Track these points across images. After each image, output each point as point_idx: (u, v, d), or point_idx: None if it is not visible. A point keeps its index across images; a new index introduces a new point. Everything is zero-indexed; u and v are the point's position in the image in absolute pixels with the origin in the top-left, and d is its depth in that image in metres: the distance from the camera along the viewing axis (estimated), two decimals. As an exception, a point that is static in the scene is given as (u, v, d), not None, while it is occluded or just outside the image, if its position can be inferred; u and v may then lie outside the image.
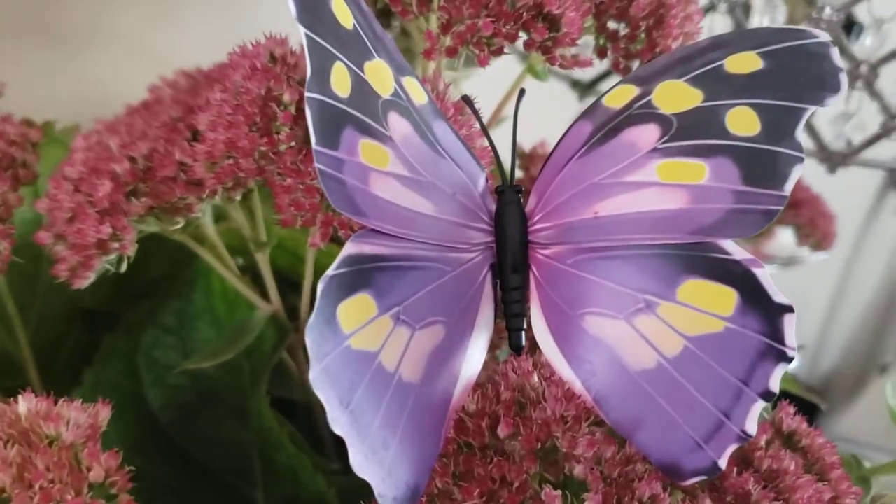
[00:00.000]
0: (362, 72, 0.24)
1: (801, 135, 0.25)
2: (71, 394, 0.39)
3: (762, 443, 0.27)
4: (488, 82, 0.35)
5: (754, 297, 0.24)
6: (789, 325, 0.24)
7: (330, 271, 0.23)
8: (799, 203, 0.50)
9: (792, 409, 0.28)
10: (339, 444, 0.23)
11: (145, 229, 0.31)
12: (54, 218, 0.30)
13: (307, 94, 0.22)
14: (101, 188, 0.29)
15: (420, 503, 0.24)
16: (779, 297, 0.24)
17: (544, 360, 0.26)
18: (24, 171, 0.33)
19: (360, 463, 0.22)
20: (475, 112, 0.28)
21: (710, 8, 0.47)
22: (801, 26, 0.26)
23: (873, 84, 0.46)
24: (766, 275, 0.24)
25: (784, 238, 0.55)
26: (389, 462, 0.23)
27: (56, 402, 0.25)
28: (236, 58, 0.28)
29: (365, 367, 0.23)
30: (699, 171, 0.25)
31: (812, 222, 0.50)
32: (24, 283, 0.40)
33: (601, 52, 0.31)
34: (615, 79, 0.50)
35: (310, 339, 0.22)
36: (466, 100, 0.28)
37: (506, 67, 0.33)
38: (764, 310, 0.24)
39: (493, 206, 0.27)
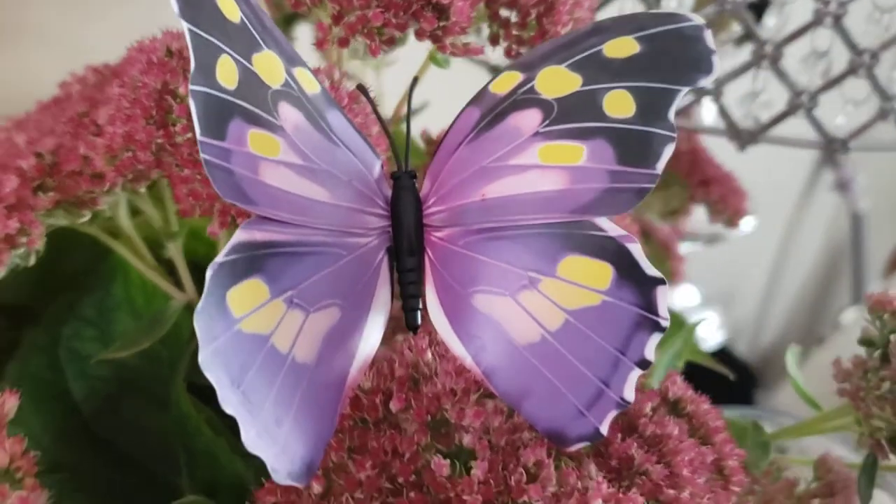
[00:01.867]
0: (250, 63, 0.25)
1: (673, 115, 0.26)
2: (-6, 388, 0.39)
3: (647, 410, 0.28)
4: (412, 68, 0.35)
5: (628, 271, 0.25)
6: (662, 296, 0.25)
7: (219, 258, 0.24)
8: (710, 181, 0.52)
9: (679, 378, 0.30)
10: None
11: (55, 223, 0.31)
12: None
13: (191, 87, 0.23)
14: (7, 184, 0.30)
15: (316, 477, 0.25)
16: (651, 270, 0.25)
17: (440, 337, 0.27)
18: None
19: (253, 440, 0.23)
20: (370, 100, 0.29)
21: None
22: (679, 11, 0.27)
23: (778, 63, 0.47)
24: (639, 250, 0.26)
25: (700, 215, 0.56)
26: (283, 438, 0.24)
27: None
28: (134, 52, 0.29)
29: (257, 349, 0.24)
30: (577, 152, 0.26)
31: (723, 199, 0.52)
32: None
33: (494, 40, 0.32)
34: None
35: (198, 324, 0.23)
36: (361, 88, 0.29)
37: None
38: (638, 283, 0.25)
39: (389, 192, 0.28)
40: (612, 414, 0.25)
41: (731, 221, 0.53)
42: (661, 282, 0.25)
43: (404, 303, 0.28)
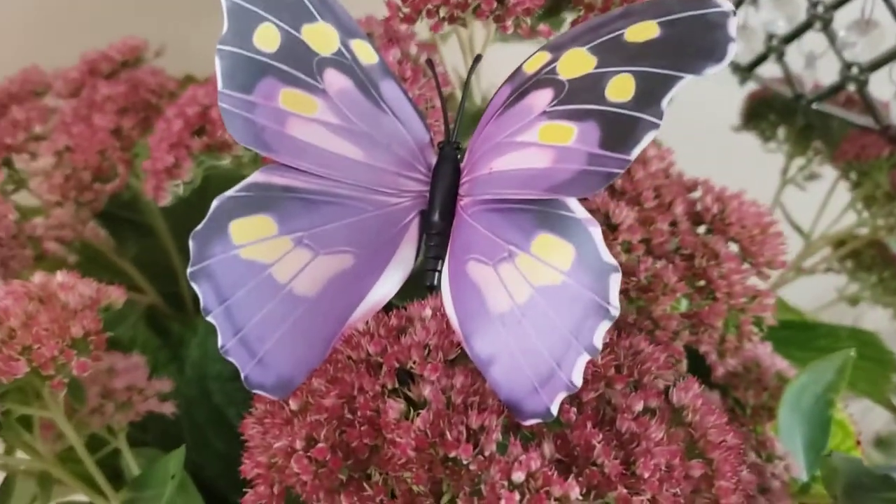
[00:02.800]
0: (299, 33, 0.29)
1: (667, 102, 0.25)
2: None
3: (638, 407, 0.27)
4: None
5: (588, 254, 0.25)
6: (614, 284, 0.25)
7: (229, 192, 0.28)
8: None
9: (695, 385, 0.28)
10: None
11: (215, 163, 0.38)
12: (151, 148, 0.38)
13: (219, 47, 0.27)
14: (175, 125, 0.37)
15: (295, 395, 0.28)
16: (607, 256, 0.25)
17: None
18: (156, 115, 0.42)
19: (230, 348, 0.27)
20: (435, 76, 0.31)
21: (808, 25, 0.45)
22: None
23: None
24: (600, 234, 0.25)
25: None
26: (263, 353, 0.27)
27: (79, 278, 0.33)
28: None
29: (252, 275, 0.28)
30: (569, 133, 0.26)
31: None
32: (184, 209, 0.49)
33: (575, 24, 0.32)
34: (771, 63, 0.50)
35: (193, 244, 0.27)
36: (429, 63, 0.31)
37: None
38: (594, 268, 0.25)
39: (433, 160, 0.30)
40: (562, 395, 0.25)
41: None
42: (616, 269, 0.25)
43: (425, 263, 0.30)
